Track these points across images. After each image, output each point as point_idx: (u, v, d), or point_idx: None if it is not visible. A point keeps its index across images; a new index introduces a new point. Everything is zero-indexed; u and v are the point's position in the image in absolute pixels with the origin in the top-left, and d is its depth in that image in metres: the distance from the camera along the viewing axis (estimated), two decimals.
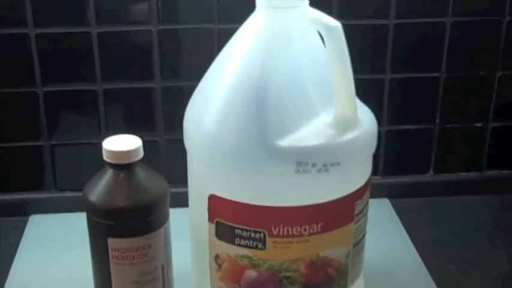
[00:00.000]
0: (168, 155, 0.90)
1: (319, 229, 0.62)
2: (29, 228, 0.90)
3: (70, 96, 0.88)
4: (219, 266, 0.66)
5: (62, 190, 0.92)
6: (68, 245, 0.82)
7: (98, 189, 0.65)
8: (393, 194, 0.95)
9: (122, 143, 0.65)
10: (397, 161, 0.95)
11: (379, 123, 0.90)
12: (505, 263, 0.84)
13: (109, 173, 0.65)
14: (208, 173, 0.64)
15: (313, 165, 0.59)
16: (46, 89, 0.87)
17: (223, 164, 0.61)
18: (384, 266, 0.81)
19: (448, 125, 0.94)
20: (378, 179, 0.94)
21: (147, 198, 0.65)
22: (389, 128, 0.93)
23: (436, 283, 0.79)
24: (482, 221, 0.92)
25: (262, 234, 0.62)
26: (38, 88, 0.87)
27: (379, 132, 0.91)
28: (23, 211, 0.92)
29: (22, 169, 0.92)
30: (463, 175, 0.97)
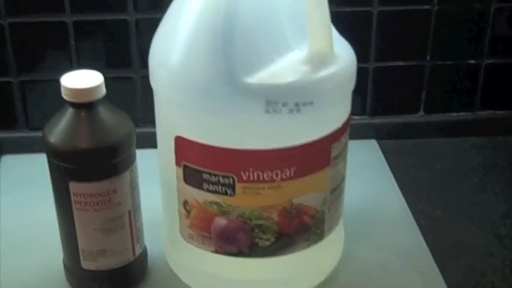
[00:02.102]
0: (144, 92, 0.86)
1: (292, 174, 0.58)
2: (0, 169, 0.86)
3: (37, 28, 0.83)
4: (188, 212, 0.62)
5: (34, 129, 0.88)
6: (40, 187, 0.77)
7: (58, 130, 0.61)
8: (381, 135, 0.91)
9: (83, 80, 0.60)
10: (385, 100, 0.91)
11: (367, 59, 0.87)
12: (494, 209, 0.80)
13: (69, 113, 0.61)
14: (174, 113, 0.59)
15: (284, 104, 0.55)
16: (11, 20, 0.82)
17: (188, 103, 0.57)
18: (367, 212, 0.77)
19: (439, 62, 0.89)
20: (364, 119, 0.90)
21: (110, 139, 0.61)
22: (377, 65, 0.88)
23: (421, 230, 0.75)
24: (474, 164, 0.87)
25: (231, 180, 0.58)
26: (2, 19, 0.82)
27: (367, 69, 0.88)
28: None
29: None
30: (454, 116, 0.92)
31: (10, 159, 0.88)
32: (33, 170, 0.78)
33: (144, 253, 0.69)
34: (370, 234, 0.75)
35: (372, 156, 0.88)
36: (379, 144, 0.90)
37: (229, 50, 0.55)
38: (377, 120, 0.91)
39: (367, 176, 0.83)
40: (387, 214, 0.78)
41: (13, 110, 0.87)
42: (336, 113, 0.60)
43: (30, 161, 0.83)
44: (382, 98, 0.90)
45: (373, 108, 0.90)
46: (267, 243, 0.61)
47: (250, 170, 0.58)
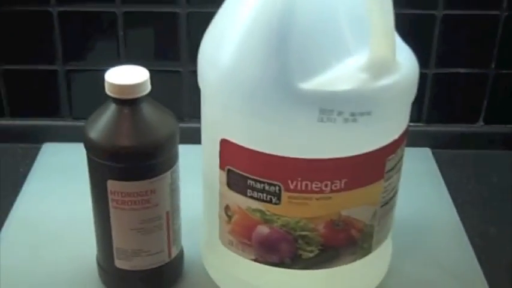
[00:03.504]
0: (191, 87, 0.83)
1: (342, 186, 0.55)
2: (41, 157, 0.84)
3: (87, 18, 0.81)
4: (229, 218, 0.59)
5: (77, 119, 0.86)
6: (80, 178, 0.76)
7: (99, 126, 0.58)
8: (436, 144, 0.86)
9: (128, 76, 0.58)
10: (443, 107, 0.86)
11: (427, 64, 0.83)
12: None
13: (111, 109, 0.58)
14: (221, 115, 0.56)
15: (339, 113, 0.51)
16: (60, 8, 0.80)
17: (237, 106, 0.54)
18: (416, 224, 0.73)
19: (504, 71, 0.84)
20: (420, 127, 0.86)
21: (152, 138, 0.58)
22: (438, 71, 0.83)
23: (474, 248, 0.71)
24: None
25: (277, 188, 0.55)
26: (52, 7, 0.80)
27: (426, 75, 0.83)
28: (36, 138, 0.86)
29: (37, 94, 0.86)
30: None
31: (51, 147, 0.86)
32: (73, 160, 0.76)
33: (180, 255, 0.66)
34: (419, 248, 0.71)
35: (425, 165, 0.84)
36: (434, 154, 0.85)
37: (284, 53, 0.51)
38: (433, 128, 0.87)
39: (418, 187, 0.78)
40: (438, 228, 0.74)
41: (57, 99, 0.85)
42: (393, 124, 0.56)
43: (72, 151, 0.80)
44: (440, 106, 0.86)
45: (429, 115, 0.86)
46: (311, 255, 0.58)
47: (299, 179, 0.54)
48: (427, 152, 0.86)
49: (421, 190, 0.78)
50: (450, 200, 0.78)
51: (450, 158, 0.85)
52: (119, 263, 0.62)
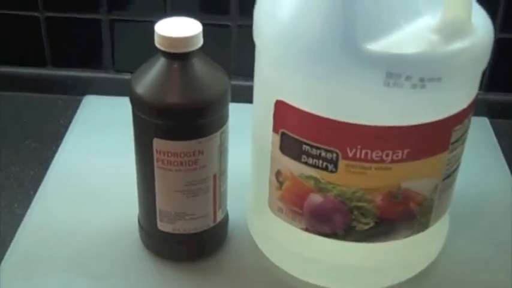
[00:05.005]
0: (240, 42, 0.79)
1: (404, 156, 0.51)
2: (82, 109, 0.82)
3: None
4: (280, 184, 0.56)
5: (119, 71, 0.83)
6: (122, 133, 0.73)
7: (146, 81, 0.55)
8: (495, 113, 0.82)
9: (179, 28, 0.54)
10: (505, 75, 0.81)
11: None
12: None
13: (160, 63, 0.55)
14: (277, 74, 0.53)
15: (408, 78, 0.47)
16: None
17: (296, 65, 0.50)
18: (473, 198, 0.70)
19: None
20: (479, 94, 0.81)
21: (203, 96, 0.55)
22: (503, 36, 0.78)
23: None
24: None
25: (334, 155, 0.51)
26: None
27: None
28: (78, 90, 0.84)
29: (80, 44, 0.83)
30: None
31: (93, 100, 0.83)
32: (115, 114, 0.74)
33: (226, 219, 0.63)
34: (476, 224, 0.67)
35: (482, 135, 0.79)
36: (492, 124, 0.81)
37: (351, 10, 0.47)
38: (492, 96, 0.82)
39: (475, 158, 0.73)
40: (496, 203, 0.70)
41: (100, 50, 0.82)
42: (463, 92, 0.52)
43: (113, 104, 0.79)
44: (502, 73, 0.81)
45: (490, 82, 0.81)
46: (365, 227, 0.55)
47: (358, 147, 0.51)
48: (484, 121, 0.81)
49: (478, 162, 0.74)
50: (509, 173, 0.74)
51: (509, 128, 0.81)
52: (161, 226, 0.60)
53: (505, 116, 0.82)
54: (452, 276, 0.62)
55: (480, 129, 0.80)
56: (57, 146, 0.75)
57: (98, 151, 0.75)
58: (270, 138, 0.55)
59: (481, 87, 0.80)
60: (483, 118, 0.81)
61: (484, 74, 0.79)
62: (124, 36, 0.81)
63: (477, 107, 0.80)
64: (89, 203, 0.68)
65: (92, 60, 0.83)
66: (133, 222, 0.63)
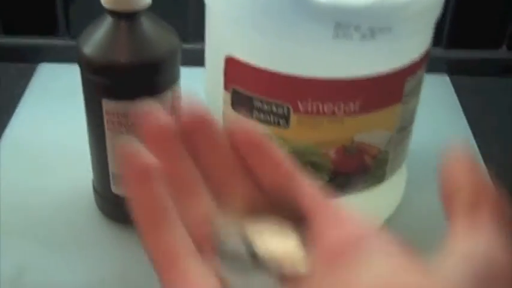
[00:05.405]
0: (197, 4, 0.77)
1: (356, 108, 0.50)
2: (36, 77, 0.80)
3: None
4: None
5: (75, 37, 0.81)
6: (78, 101, 0.72)
7: (93, 41, 0.53)
8: (455, 70, 0.82)
9: None
10: (465, 31, 0.81)
11: None
12: None
13: (108, 22, 0.53)
14: (226, 30, 0.52)
15: (356, 28, 0.47)
16: None
17: (244, 19, 0.49)
18: (432, 155, 0.69)
19: None
20: (439, 51, 0.80)
21: (151, 54, 0.53)
22: None
23: (492, 178, 0.66)
24: None
25: (285, 109, 0.51)
26: None
27: None
28: (32, 58, 0.81)
29: (32, 10, 0.81)
30: None
31: (48, 68, 0.81)
32: (71, 82, 0.71)
33: None
34: (434, 179, 0.67)
35: (442, 93, 0.79)
36: (452, 80, 0.81)
37: None
38: (452, 53, 0.82)
39: (435, 115, 0.74)
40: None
41: (54, 16, 0.80)
42: (415, 42, 0.51)
43: (69, 72, 0.75)
44: (461, 29, 0.80)
45: (449, 39, 0.81)
46: (320, 182, 0.54)
47: (309, 100, 0.50)
48: (444, 78, 0.81)
49: (438, 118, 0.74)
50: (469, 130, 0.74)
51: (469, 85, 0.81)
52: (115, 189, 0.59)
53: (465, 73, 0.82)
54: (411, 229, 0.62)
55: (440, 86, 0.79)
56: (10, 117, 0.74)
57: (52, 119, 0.73)
58: (221, 96, 0.54)
59: (441, 44, 0.81)
60: (444, 75, 0.81)
61: (444, 30, 0.80)
62: (79, 0, 0.79)
63: (437, 64, 0.80)
64: (43, 171, 0.67)
65: (46, 27, 0.81)
66: (88, 187, 0.62)
